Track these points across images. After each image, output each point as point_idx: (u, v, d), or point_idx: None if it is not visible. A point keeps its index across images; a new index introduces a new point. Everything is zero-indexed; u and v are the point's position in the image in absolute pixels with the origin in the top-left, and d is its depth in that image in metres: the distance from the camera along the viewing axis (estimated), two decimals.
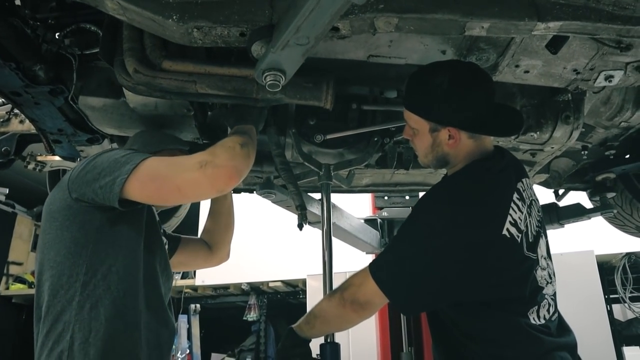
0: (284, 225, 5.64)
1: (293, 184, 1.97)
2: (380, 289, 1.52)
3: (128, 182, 1.43)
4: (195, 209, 5.88)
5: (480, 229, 1.49)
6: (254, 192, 2.59)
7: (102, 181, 1.46)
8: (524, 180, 1.69)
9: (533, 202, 1.70)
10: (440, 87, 1.55)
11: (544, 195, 3.05)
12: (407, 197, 3.89)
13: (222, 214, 2.23)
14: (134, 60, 1.55)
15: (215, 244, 2.23)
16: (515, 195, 1.59)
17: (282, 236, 6.28)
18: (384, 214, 3.92)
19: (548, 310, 1.59)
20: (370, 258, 4.47)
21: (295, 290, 6.97)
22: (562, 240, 4.39)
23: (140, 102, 1.82)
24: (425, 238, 1.51)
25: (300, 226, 1.98)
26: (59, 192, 1.57)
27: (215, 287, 7.09)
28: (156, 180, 1.46)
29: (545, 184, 2.89)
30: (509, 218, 1.52)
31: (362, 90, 1.94)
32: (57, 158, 2.76)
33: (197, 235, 2.29)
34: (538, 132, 2.03)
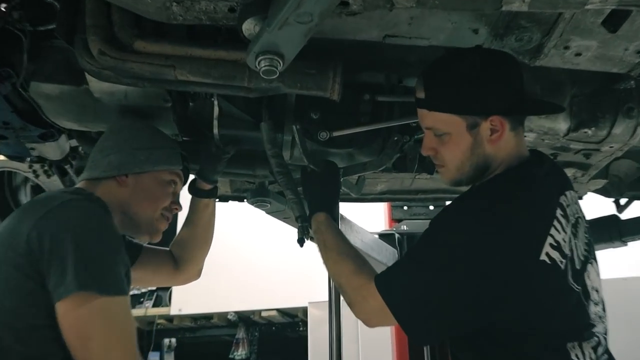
0: (280, 241, 5.64)
1: (292, 191, 2.00)
2: (391, 312, 1.56)
3: (63, 302, 1.46)
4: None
5: (513, 253, 1.51)
6: (245, 200, 2.60)
7: (54, 270, 1.48)
8: (567, 193, 1.71)
9: (579, 220, 1.72)
10: (474, 70, 1.59)
11: (603, 206, 3.06)
12: (432, 207, 3.91)
13: (199, 226, 2.29)
14: (99, 40, 1.57)
15: (185, 259, 2.29)
16: (559, 211, 1.61)
17: (279, 255, 6.30)
18: (403, 227, 3.93)
19: (595, 349, 1.60)
20: None
21: (293, 322, 6.98)
22: (624, 262, 4.39)
23: (107, 91, 1.83)
24: (445, 260, 1.54)
25: (300, 242, 2.00)
26: (18, 239, 1.55)
27: (195, 317, 7.12)
28: (83, 338, 1.47)
29: (604, 191, 2.89)
30: (550, 239, 1.54)
31: (376, 77, 1.96)
32: (1, 157, 2.78)
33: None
34: (593, 129, 2.04)
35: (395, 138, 2.06)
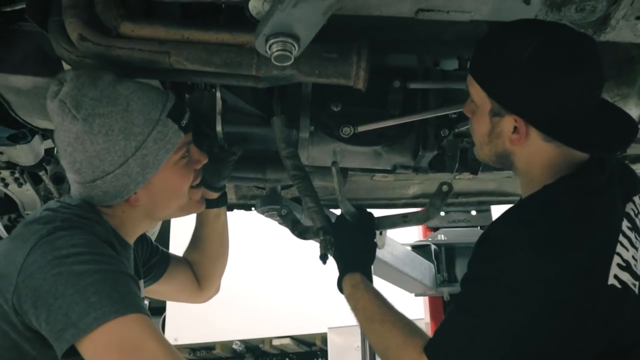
0: (294, 257, 5.72)
1: (312, 198, 1.99)
2: None
3: (85, 340, 1.45)
4: (165, 224, 5.83)
5: (579, 282, 1.51)
6: (253, 209, 2.61)
7: (52, 315, 1.47)
8: (636, 199, 1.69)
9: None
10: (519, 56, 1.54)
11: None
12: (474, 213, 3.92)
13: (213, 241, 2.33)
14: (79, 22, 1.58)
15: (203, 277, 2.35)
16: (625, 224, 1.60)
17: (292, 273, 6.34)
18: (440, 237, 3.96)
19: None
20: (419, 302, 4.43)
21: (310, 351, 6.97)
22: None
23: None
24: (503, 304, 1.54)
25: (323, 258, 2.00)
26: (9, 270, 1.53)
27: (193, 348, 7.11)
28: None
29: None
30: (617, 259, 1.53)
31: (407, 60, 1.97)
32: None
33: None
34: None
35: (444, 187, 2.01)
